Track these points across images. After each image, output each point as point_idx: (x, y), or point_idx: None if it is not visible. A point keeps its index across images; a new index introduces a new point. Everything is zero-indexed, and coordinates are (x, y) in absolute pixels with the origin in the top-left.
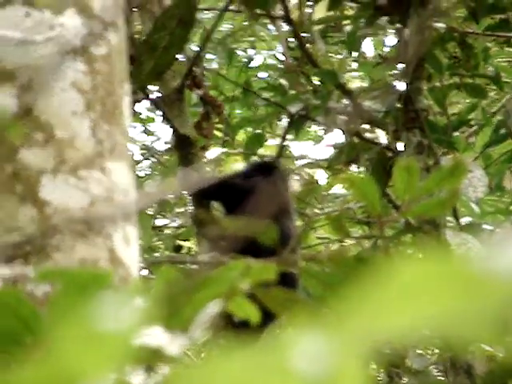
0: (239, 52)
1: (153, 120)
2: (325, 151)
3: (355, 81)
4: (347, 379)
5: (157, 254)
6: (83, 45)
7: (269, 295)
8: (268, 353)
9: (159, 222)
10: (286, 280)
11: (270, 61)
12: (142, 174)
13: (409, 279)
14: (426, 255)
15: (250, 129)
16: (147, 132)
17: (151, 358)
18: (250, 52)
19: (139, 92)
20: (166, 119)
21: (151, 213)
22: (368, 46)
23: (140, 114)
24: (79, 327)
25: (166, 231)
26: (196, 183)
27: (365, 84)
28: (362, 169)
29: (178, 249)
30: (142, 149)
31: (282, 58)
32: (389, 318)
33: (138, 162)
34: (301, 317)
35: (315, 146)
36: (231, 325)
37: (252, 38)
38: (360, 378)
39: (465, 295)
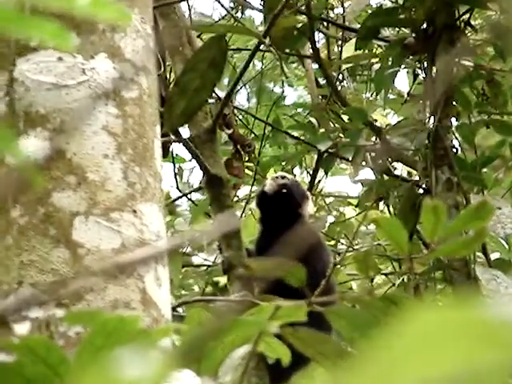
0: (269, 90)
1: (184, 160)
2: (356, 188)
3: (385, 118)
4: None
5: (187, 292)
6: (114, 88)
7: (298, 337)
8: None
9: (195, 259)
10: (319, 321)
11: (302, 97)
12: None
13: (429, 328)
14: (448, 301)
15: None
16: (179, 171)
17: None
18: (280, 90)
19: (171, 133)
20: (197, 159)
21: (184, 250)
22: (402, 83)
23: (172, 153)
24: (105, 375)
25: (202, 268)
26: (228, 227)
27: (394, 121)
28: (391, 206)
29: (216, 284)
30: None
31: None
32: (408, 368)
33: (172, 201)
34: (330, 360)
35: (348, 182)
36: (264, 366)
37: (283, 78)
38: None
39: (483, 345)
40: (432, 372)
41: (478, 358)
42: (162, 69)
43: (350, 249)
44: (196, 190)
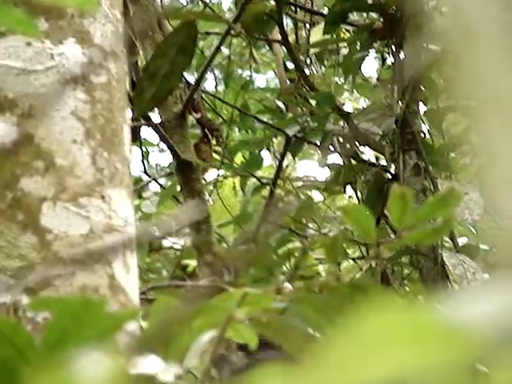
0: (237, 74)
1: (152, 144)
2: (324, 172)
3: (353, 103)
4: None
5: (155, 276)
6: (83, 74)
7: (266, 323)
8: None
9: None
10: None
11: (270, 82)
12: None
13: (383, 327)
14: (412, 293)
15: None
16: (145, 155)
17: None
18: (248, 75)
19: (140, 118)
20: (167, 144)
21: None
22: (370, 68)
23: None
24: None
25: (170, 251)
26: (198, 214)
27: (362, 105)
28: (358, 190)
29: (184, 268)
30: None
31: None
32: (355, 369)
33: (141, 187)
34: (297, 346)
35: (316, 167)
36: (229, 352)
37: (251, 63)
38: None
39: (437, 346)
40: (380, 372)
41: (430, 360)
42: (134, 55)
43: (318, 233)
44: (167, 175)
